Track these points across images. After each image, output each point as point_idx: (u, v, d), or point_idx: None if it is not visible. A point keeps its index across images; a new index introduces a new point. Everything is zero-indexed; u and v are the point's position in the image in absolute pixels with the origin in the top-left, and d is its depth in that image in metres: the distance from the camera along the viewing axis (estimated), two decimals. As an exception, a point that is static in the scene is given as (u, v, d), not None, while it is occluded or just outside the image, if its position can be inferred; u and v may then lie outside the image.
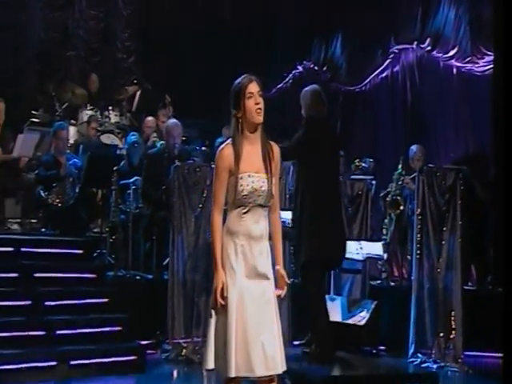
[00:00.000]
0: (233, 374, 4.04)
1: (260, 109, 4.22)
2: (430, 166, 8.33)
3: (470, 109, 10.39)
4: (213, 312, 4.17)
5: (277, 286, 4.27)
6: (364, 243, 7.91)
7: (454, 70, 10.54)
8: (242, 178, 4.17)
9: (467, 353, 7.91)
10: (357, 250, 7.74)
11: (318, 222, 6.50)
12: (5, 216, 9.26)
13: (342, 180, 8.29)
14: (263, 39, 12.68)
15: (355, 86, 11.90)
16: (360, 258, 7.77)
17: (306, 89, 7.03)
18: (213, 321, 4.19)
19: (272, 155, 4.29)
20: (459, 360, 7.72)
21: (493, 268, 9.20)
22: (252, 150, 4.27)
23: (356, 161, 10.07)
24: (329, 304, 7.29)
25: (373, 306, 7.51)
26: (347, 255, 7.54)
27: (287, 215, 7.22)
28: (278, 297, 4.27)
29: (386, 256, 8.38)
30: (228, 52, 12.34)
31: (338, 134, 7.19)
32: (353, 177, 8.70)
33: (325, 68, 12.30)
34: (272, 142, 4.37)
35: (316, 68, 12.42)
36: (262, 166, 4.25)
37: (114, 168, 8.83)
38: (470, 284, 9.16)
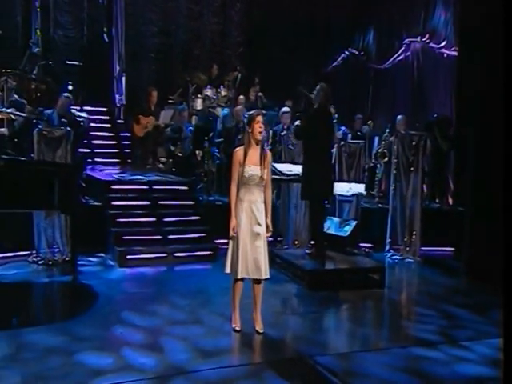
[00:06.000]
0: (239, 276, 4.81)
1: (261, 131, 4.75)
2: (403, 132, 8.46)
3: (454, 82, 10.19)
4: (230, 241, 4.83)
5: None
6: (353, 184, 7.95)
7: (445, 55, 10.36)
8: (245, 168, 4.72)
9: (425, 248, 8.11)
10: (347, 189, 7.85)
11: (316, 173, 6.57)
12: (157, 158, 9.93)
13: (344, 143, 8.41)
14: (322, 33, 12.48)
15: (382, 65, 11.75)
16: (349, 194, 7.85)
17: (318, 87, 6.70)
18: (230, 245, 4.82)
19: (265, 157, 4.80)
20: (416, 254, 8.00)
21: (453, 192, 9.41)
22: (254, 152, 4.76)
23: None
24: (328, 223, 7.50)
25: (354, 224, 7.52)
26: (342, 192, 7.83)
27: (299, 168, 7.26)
28: (267, 237, 4.86)
29: (365, 193, 8.35)
30: (298, 43, 12.14)
31: (332, 120, 6.95)
32: (349, 141, 8.73)
33: (362, 53, 12.18)
34: (267, 149, 4.92)
35: (356, 53, 12.28)
36: (258, 161, 4.74)
37: (211, 132, 9.12)
38: (437, 202, 9.30)
